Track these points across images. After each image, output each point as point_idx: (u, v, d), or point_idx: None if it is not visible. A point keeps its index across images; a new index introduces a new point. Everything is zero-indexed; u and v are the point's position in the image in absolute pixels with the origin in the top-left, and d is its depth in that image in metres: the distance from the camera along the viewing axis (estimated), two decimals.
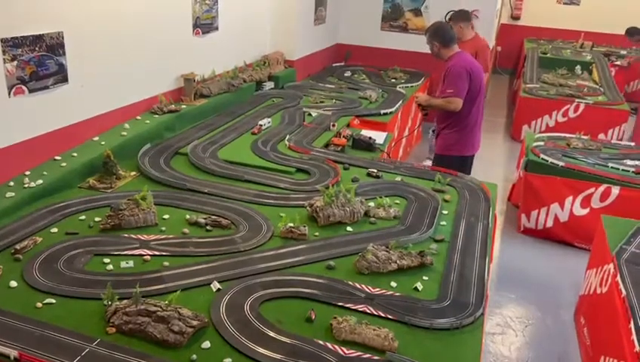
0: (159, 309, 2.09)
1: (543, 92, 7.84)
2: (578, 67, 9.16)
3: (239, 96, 5.26)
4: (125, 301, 2.18)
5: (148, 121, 4.15)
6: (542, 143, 5.32)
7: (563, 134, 5.77)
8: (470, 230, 3.07)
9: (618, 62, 10.19)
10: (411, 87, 6.60)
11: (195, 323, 2.08)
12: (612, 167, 4.81)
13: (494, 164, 6.78)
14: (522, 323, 3.88)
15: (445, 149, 4.46)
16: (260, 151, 4.02)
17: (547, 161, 4.87)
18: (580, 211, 4.81)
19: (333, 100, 5.65)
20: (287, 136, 4.34)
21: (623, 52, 10.84)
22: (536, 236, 5.07)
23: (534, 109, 7.64)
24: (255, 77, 5.68)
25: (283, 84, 6.11)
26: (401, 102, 5.78)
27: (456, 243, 2.92)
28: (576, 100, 7.39)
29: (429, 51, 4.45)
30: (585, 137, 5.57)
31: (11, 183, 3.10)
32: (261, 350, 2.03)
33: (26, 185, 3.08)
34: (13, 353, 1.91)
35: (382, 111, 5.37)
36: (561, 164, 4.82)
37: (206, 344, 2.04)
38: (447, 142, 4.44)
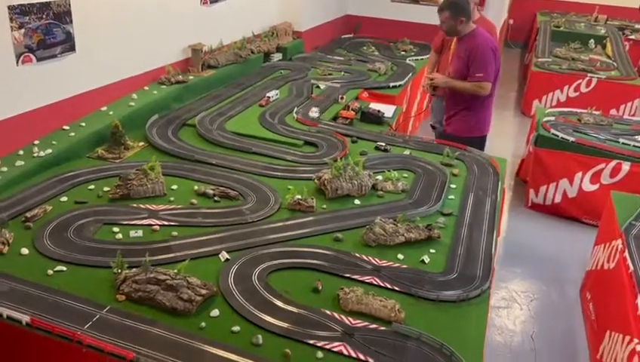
0: (168, 278, 2.12)
1: (555, 66, 7.72)
2: (591, 41, 8.99)
3: (247, 68, 5.22)
4: (135, 269, 2.20)
5: (155, 92, 4.13)
6: (553, 118, 5.26)
7: (574, 109, 5.70)
8: (478, 204, 3.06)
9: (633, 37, 9.99)
10: (421, 59, 6.51)
11: (203, 291, 2.10)
12: (623, 143, 4.75)
13: (503, 139, 6.72)
14: (527, 298, 3.90)
15: (468, 131, 4.18)
16: (267, 124, 4.00)
17: (558, 136, 4.82)
18: (589, 187, 4.79)
19: (342, 72, 5.59)
20: (295, 109, 4.32)
21: (638, 26, 10.61)
22: (543, 211, 5.06)
23: (546, 84, 7.54)
24: (263, 48, 5.62)
25: (291, 55, 6.04)
26: (410, 74, 5.72)
27: (464, 217, 2.91)
28: (589, 75, 7.28)
29: (443, 27, 4.08)
30: (596, 112, 5.49)
31: (21, 152, 3.11)
32: (268, 318, 2.05)
33: (35, 155, 3.10)
34: (25, 318, 1.94)
35: (391, 84, 5.32)
36: (571, 139, 4.78)
37: (215, 312, 2.07)
38: (468, 123, 4.19)
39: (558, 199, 4.96)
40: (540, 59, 8.04)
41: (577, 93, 7.32)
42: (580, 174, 4.80)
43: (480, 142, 4.21)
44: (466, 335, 2.07)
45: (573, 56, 8.19)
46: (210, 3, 4.89)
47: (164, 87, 4.24)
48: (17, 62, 3.05)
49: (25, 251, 2.35)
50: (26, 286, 2.14)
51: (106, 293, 2.14)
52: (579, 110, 5.63)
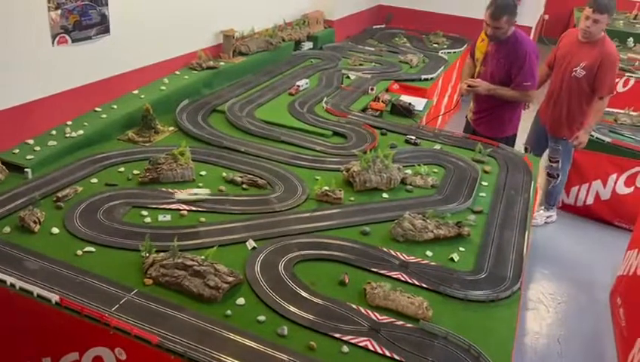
0: (196, 264, 2.11)
1: None
2: (630, 39, 8.70)
3: (277, 56, 5.19)
4: (162, 254, 2.20)
5: (186, 77, 4.13)
6: None
7: (610, 109, 5.52)
8: (510, 203, 2.99)
9: None
10: (454, 53, 6.39)
11: (230, 279, 2.09)
12: None
13: None
14: (555, 300, 3.82)
15: (502, 131, 4.02)
16: (296, 113, 3.97)
17: (592, 136, 4.67)
18: (623, 190, 4.65)
19: (373, 63, 5.52)
20: (325, 99, 4.27)
21: None
22: (574, 213, 4.93)
23: None
24: (294, 36, 5.58)
25: (322, 44, 5.99)
26: (442, 68, 5.62)
27: (495, 216, 2.85)
28: (627, 74, 7.03)
29: (498, 33, 3.74)
30: (634, 113, 5.33)
31: (53, 132, 3.14)
32: (294, 309, 2.04)
33: (68, 135, 3.12)
34: (54, 297, 1.96)
35: (422, 77, 5.23)
36: (607, 139, 4.64)
37: (240, 300, 2.06)
38: (498, 123, 4.02)
39: (590, 201, 4.83)
40: None
41: (614, 93, 7.09)
42: (614, 176, 4.66)
43: (512, 141, 4.10)
44: (495, 337, 2.02)
45: None
46: None
47: (195, 72, 4.24)
48: (53, 43, 3.07)
49: (55, 230, 2.38)
50: (55, 265, 2.16)
51: (134, 276, 2.15)
52: (615, 110, 5.46)
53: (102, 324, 1.88)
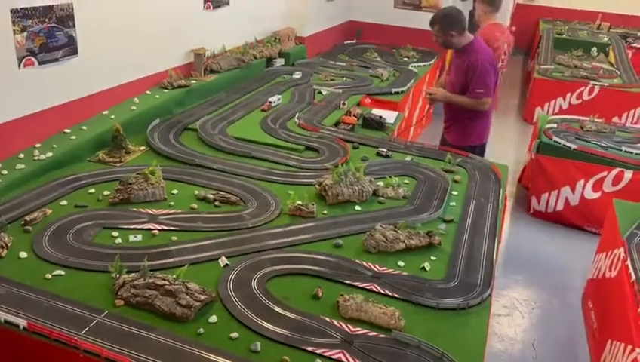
0: (167, 283, 2.10)
1: (557, 74, 7.72)
2: (594, 49, 9.00)
3: (249, 73, 5.22)
4: (133, 274, 2.19)
5: (157, 96, 4.13)
6: (555, 125, 5.25)
7: (576, 117, 5.68)
8: (480, 211, 3.05)
9: (635, 45, 9.98)
10: (423, 66, 6.51)
11: (202, 297, 2.08)
12: (625, 151, 4.74)
13: (505, 145, 6.71)
14: (529, 306, 3.88)
15: (465, 140, 4.13)
16: (269, 129, 4.00)
17: (560, 143, 4.81)
18: (591, 195, 4.77)
19: (344, 78, 5.59)
20: (297, 114, 4.31)
21: None
22: (545, 219, 5.04)
23: (548, 91, 7.53)
24: (265, 53, 5.63)
25: (293, 60, 6.05)
26: (412, 81, 5.71)
27: (465, 225, 2.90)
28: (591, 82, 7.27)
29: (437, 41, 3.97)
30: (599, 120, 5.48)
31: (21, 155, 3.11)
32: (267, 325, 2.04)
33: (36, 158, 3.09)
34: (22, 323, 1.93)
35: (393, 90, 5.31)
36: (573, 146, 4.77)
37: (213, 318, 2.06)
38: (466, 132, 4.14)
39: (560, 206, 4.95)
40: (542, 67, 8.03)
41: (580, 101, 7.31)
42: (581, 182, 4.78)
43: (479, 151, 4.18)
44: (467, 344, 2.05)
45: (576, 64, 8.18)
46: (213, 8, 4.90)
47: (166, 91, 4.24)
48: (19, 66, 3.05)
49: (23, 255, 2.35)
50: (23, 290, 2.13)
51: (104, 298, 2.13)
52: (581, 117, 5.61)
53: (71, 348, 1.85)
